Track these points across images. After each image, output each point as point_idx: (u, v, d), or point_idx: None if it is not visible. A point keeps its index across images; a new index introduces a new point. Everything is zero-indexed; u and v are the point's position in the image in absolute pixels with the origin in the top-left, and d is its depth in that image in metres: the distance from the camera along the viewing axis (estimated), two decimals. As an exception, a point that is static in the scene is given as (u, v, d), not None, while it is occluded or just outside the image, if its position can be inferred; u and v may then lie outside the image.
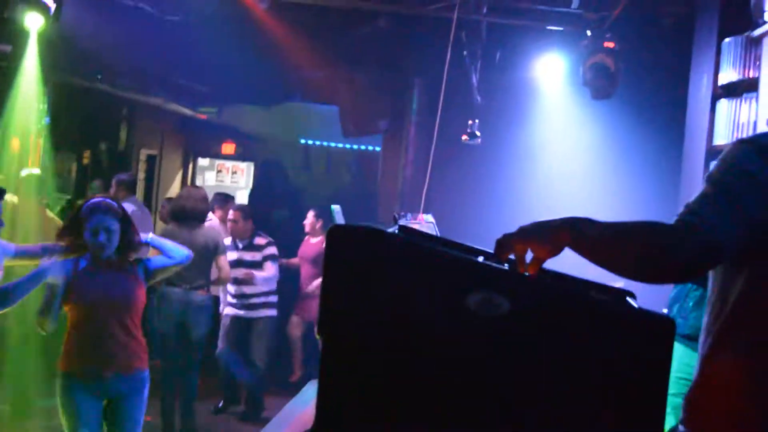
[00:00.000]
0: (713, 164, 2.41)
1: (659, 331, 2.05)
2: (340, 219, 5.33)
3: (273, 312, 9.05)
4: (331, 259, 2.14)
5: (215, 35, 10.12)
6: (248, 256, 8.88)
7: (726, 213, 2.20)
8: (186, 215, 7.96)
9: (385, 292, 2.10)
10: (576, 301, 2.12)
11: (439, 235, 3.11)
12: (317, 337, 2.17)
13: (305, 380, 9.40)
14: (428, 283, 2.10)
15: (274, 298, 9.03)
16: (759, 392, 2.29)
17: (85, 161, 16.26)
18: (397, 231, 2.52)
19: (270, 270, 8.89)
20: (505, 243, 2.22)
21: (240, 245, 8.91)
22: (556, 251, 2.21)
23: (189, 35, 10.26)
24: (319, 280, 9.83)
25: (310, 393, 6.74)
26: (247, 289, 8.79)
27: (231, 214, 9.04)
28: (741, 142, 2.39)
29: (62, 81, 13.17)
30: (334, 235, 2.15)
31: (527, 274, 2.22)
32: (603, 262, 2.23)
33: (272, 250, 8.98)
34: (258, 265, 8.88)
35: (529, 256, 2.22)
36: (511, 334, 2.05)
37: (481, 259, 2.38)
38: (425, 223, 3.15)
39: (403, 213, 2.98)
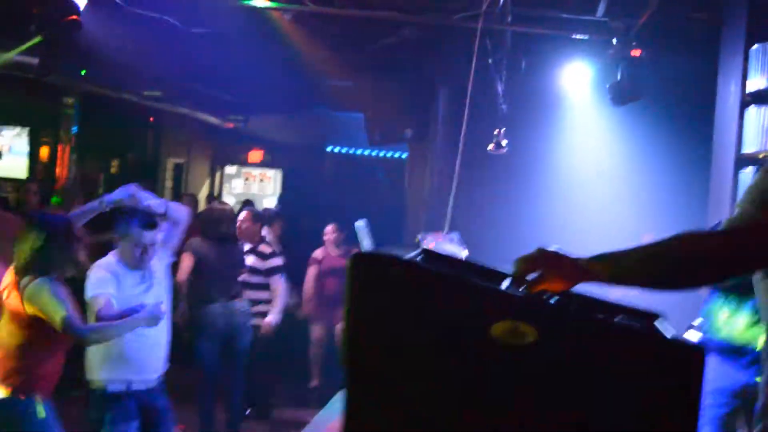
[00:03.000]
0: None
1: (689, 360, 2.03)
2: (364, 236, 5.33)
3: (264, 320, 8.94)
4: (354, 288, 2.13)
5: (241, 46, 10.16)
6: (250, 260, 8.84)
7: None
8: (218, 234, 8.07)
9: (409, 320, 2.08)
10: (603, 330, 2.09)
11: (466, 250, 3.09)
12: (341, 363, 2.16)
13: (324, 388, 9.41)
14: (452, 312, 2.08)
15: (266, 308, 8.91)
16: None
17: (113, 170, 16.37)
18: (420, 256, 2.50)
19: (279, 284, 8.83)
20: (524, 268, 2.21)
21: (245, 248, 8.88)
22: (570, 286, 2.22)
23: (215, 46, 10.29)
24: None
25: (339, 404, 6.76)
26: (253, 295, 8.71)
27: (243, 214, 9.04)
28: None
29: (90, 91, 13.26)
30: (357, 263, 2.14)
31: (549, 299, 2.21)
32: (647, 281, 2.24)
33: (277, 261, 8.92)
34: (258, 272, 8.84)
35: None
36: (537, 364, 2.03)
37: (505, 284, 2.36)
38: (450, 242, 3.13)
39: (425, 234, 2.95)
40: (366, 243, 5.34)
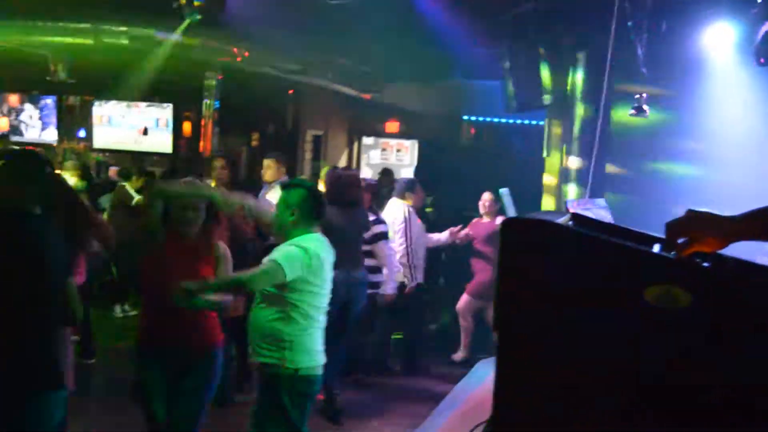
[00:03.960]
0: None
1: None
2: (508, 202, 5.32)
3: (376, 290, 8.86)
4: (506, 254, 2.14)
5: (378, 16, 10.20)
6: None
7: None
8: (345, 199, 7.95)
9: (561, 285, 2.08)
10: (760, 294, 2.04)
11: (612, 221, 3.06)
12: (492, 329, 2.18)
13: (470, 361, 9.42)
14: (605, 276, 2.07)
15: (377, 277, 8.84)
16: None
17: (254, 143, 16.71)
18: (570, 221, 2.50)
19: (385, 250, 8.75)
20: (676, 231, 2.18)
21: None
22: (725, 246, 2.18)
23: (352, 16, 10.37)
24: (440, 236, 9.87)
25: (480, 372, 6.78)
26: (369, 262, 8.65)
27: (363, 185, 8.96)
28: None
29: (231, 66, 13.56)
30: (509, 228, 2.15)
31: (702, 262, 2.18)
32: None
33: (383, 228, 8.80)
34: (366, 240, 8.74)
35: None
36: (692, 329, 2.01)
37: (657, 248, 2.34)
38: (597, 208, 3.10)
39: (572, 200, 2.93)
40: (510, 210, 5.33)
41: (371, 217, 8.67)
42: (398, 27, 10.65)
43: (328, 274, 5.30)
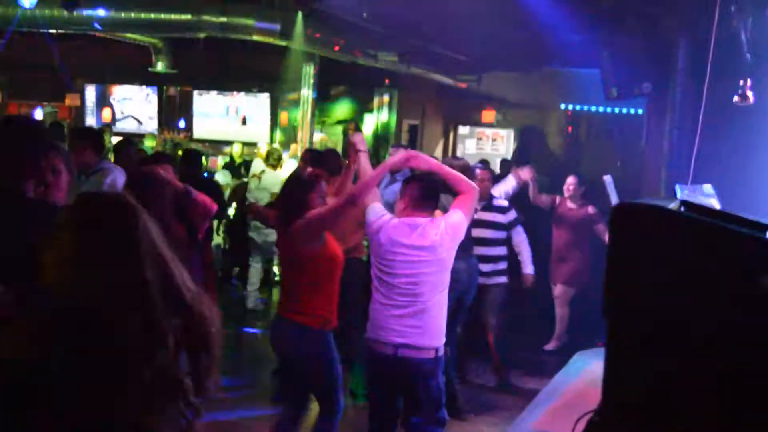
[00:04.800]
0: None
1: None
2: (611, 190, 5.25)
3: (505, 279, 8.83)
4: (616, 239, 2.12)
5: (475, 3, 10.17)
6: (488, 216, 8.75)
7: None
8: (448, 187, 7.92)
9: (673, 271, 2.06)
10: None
11: (720, 207, 3.00)
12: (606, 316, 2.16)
13: (563, 350, 9.26)
14: (717, 262, 2.04)
15: (504, 265, 8.80)
16: None
17: (350, 133, 16.80)
18: (680, 207, 2.46)
19: (522, 235, 8.75)
20: None
21: (478, 206, 8.75)
22: None
23: (448, 5, 10.35)
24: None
25: (578, 364, 6.69)
26: (481, 251, 8.60)
27: (479, 173, 8.91)
28: None
29: (329, 56, 13.67)
30: (619, 213, 2.13)
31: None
32: None
33: (514, 214, 8.77)
34: (500, 226, 8.72)
35: None
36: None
37: (770, 235, 2.30)
38: (704, 195, 3.06)
39: (681, 186, 2.89)
40: (613, 197, 5.27)
41: (500, 204, 8.72)
42: (495, 15, 10.60)
43: None
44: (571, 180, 9.98)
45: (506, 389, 8.65)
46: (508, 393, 8.50)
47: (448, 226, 5.30)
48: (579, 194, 9.87)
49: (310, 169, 7.29)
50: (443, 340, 5.35)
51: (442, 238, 5.25)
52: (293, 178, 5.86)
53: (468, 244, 7.68)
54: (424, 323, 5.23)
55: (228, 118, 17.69)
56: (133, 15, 12.44)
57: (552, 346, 9.94)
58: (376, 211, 5.42)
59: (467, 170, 8.15)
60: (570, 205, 9.94)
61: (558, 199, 10.01)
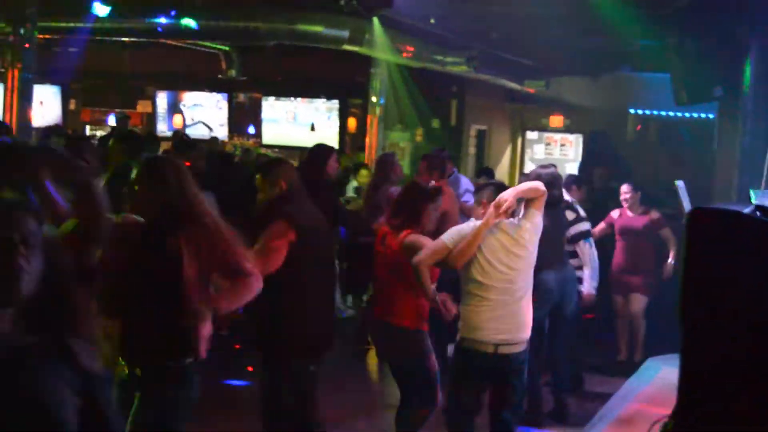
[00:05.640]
0: None
1: None
2: (684, 195, 5.20)
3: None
4: (693, 243, 2.12)
5: (542, 9, 10.14)
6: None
7: None
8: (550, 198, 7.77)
9: (751, 274, 2.04)
10: None
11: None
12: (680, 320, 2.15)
13: (633, 363, 9.09)
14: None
15: (580, 273, 8.60)
16: None
17: (418, 138, 16.84)
18: (755, 211, 2.44)
19: (586, 249, 8.48)
20: None
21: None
22: None
23: (515, 11, 10.34)
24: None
25: (650, 370, 6.65)
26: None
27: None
28: None
29: (396, 62, 13.73)
30: (696, 218, 2.12)
31: None
32: None
33: (586, 225, 8.51)
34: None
35: None
36: None
37: None
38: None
39: (758, 191, 2.85)
40: (685, 202, 5.22)
41: (572, 215, 8.41)
42: (563, 20, 10.56)
43: None
44: (625, 188, 9.71)
45: (578, 394, 8.55)
46: (580, 398, 8.40)
47: (532, 226, 5.55)
48: (637, 201, 9.64)
49: (433, 182, 7.34)
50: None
51: (530, 236, 5.53)
52: (415, 187, 6.30)
53: (556, 255, 7.52)
54: (519, 319, 5.53)
55: (296, 124, 17.82)
56: (203, 23, 12.59)
57: (623, 357, 9.67)
58: (461, 231, 5.60)
59: (557, 181, 7.95)
60: (630, 213, 9.69)
61: (618, 211, 9.75)
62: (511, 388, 5.62)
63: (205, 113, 18.87)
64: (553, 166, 9.12)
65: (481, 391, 5.82)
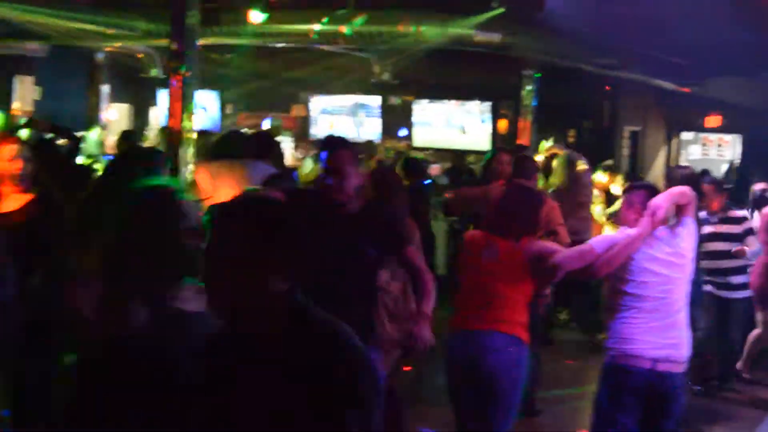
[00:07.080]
0: None
1: None
2: None
3: (745, 293, 8.48)
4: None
5: (695, 8, 9.97)
6: (724, 228, 8.48)
7: None
8: None
9: None
10: None
11: None
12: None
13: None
14: None
15: (744, 278, 8.44)
16: None
17: (570, 140, 16.72)
18: None
19: (754, 244, 8.38)
20: None
21: (715, 218, 8.49)
22: None
23: (669, 8, 10.19)
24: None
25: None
26: (724, 264, 8.36)
27: (705, 187, 8.62)
28: None
29: (549, 63, 13.70)
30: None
31: None
32: None
33: (751, 224, 8.48)
34: (736, 237, 8.42)
35: None
36: None
37: None
38: None
39: None
40: None
41: (739, 213, 8.50)
42: (719, 18, 10.34)
43: None
44: (761, 186, 9.43)
45: (744, 400, 8.38)
46: (746, 404, 8.25)
47: (687, 234, 5.21)
48: None
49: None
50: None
51: (687, 244, 5.19)
52: (528, 192, 5.83)
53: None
54: (678, 335, 5.15)
55: (448, 126, 17.90)
56: (355, 29, 12.79)
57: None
58: (607, 239, 5.36)
59: (693, 179, 7.95)
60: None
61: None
62: (671, 409, 5.14)
63: (356, 117, 19.11)
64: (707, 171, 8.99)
65: (637, 417, 5.15)
